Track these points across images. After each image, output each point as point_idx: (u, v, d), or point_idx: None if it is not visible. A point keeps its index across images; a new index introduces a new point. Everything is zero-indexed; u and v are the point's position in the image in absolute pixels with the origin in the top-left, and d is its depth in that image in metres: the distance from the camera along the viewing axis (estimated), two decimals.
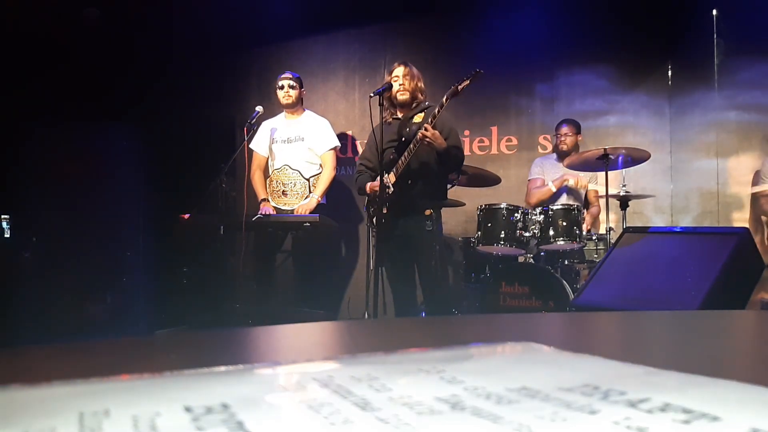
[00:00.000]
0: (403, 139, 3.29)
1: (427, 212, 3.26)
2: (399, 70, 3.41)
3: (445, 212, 3.79)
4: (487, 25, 4.71)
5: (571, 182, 4.07)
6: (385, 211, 3.26)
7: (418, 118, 3.36)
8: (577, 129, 4.14)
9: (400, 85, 3.37)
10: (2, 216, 3.92)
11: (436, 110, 3.09)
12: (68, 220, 4.04)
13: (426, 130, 3.08)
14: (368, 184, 3.39)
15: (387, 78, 3.46)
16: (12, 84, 4.14)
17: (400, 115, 3.43)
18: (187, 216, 3.62)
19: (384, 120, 3.35)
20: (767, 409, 0.21)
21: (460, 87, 3.06)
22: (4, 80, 4.11)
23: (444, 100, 3.07)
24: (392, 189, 3.24)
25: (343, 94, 5.12)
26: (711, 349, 0.49)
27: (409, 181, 3.26)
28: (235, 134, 5.00)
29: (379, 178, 3.21)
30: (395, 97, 3.39)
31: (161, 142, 4.43)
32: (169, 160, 4.49)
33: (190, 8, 4.69)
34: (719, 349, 0.49)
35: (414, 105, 3.42)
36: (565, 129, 4.12)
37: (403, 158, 3.20)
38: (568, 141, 4.08)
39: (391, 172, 3.25)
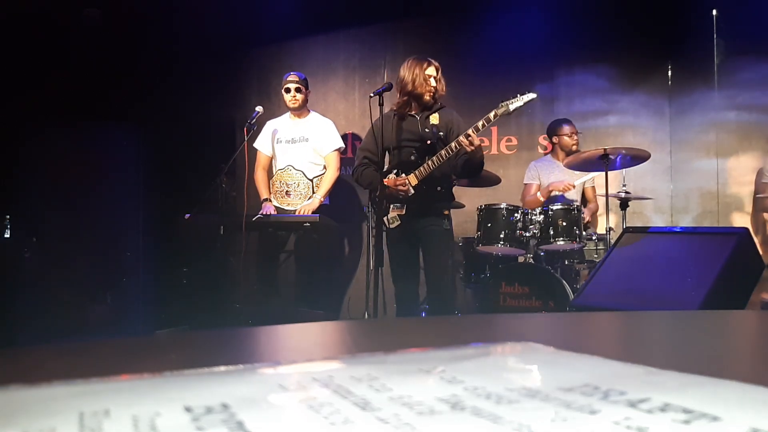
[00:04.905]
0: (429, 142, 3.17)
1: (446, 212, 3.20)
2: (432, 70, 3.21)
3: None
4: (487, 26, 4.71)
5: (555, 193, 3.96)
6: (402, 212, 3.19)
7: (434, 119, 3.23)
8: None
9: (432, 86, 3.18)
10: (2, 216, 3.92)
11: (481, 123, 2.98)
12: (68, 220, 4.04)
13: (470, 137, 2.96)
14: (386, 180, 3.18)
15: (411, 74, 3.20)
16: (12, 84, 4.14)
17: (413, 111, 3.24)
18: (188, 216, 3.62)
19: (396, 113, 3.23)
20: (767, 409, 0.21)
21: (512, 108, 2.98)
22: (4, 81, 4.11)
23: (492, 116, 2.98)
24: (413, 192, 3.14)
25: (343, 94, 5.12)
26: (711, 349, 0.49)
27: (439, 188, 3.17)
28: (235, 134, 5.00)
29: (393, 174, 3.14)
30: (422, 97, 3.19)
31: (161, 142, 4.43)
32: (169, 160, 4.49)
33: (190, 8, 4.69)
34: (719, 349, 0.49)
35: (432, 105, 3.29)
36: (568, 129, 4.01)
37: (430, 163, 3.07)
38: (573, 142, 3.99)
39: (412, 174, 3.13)
